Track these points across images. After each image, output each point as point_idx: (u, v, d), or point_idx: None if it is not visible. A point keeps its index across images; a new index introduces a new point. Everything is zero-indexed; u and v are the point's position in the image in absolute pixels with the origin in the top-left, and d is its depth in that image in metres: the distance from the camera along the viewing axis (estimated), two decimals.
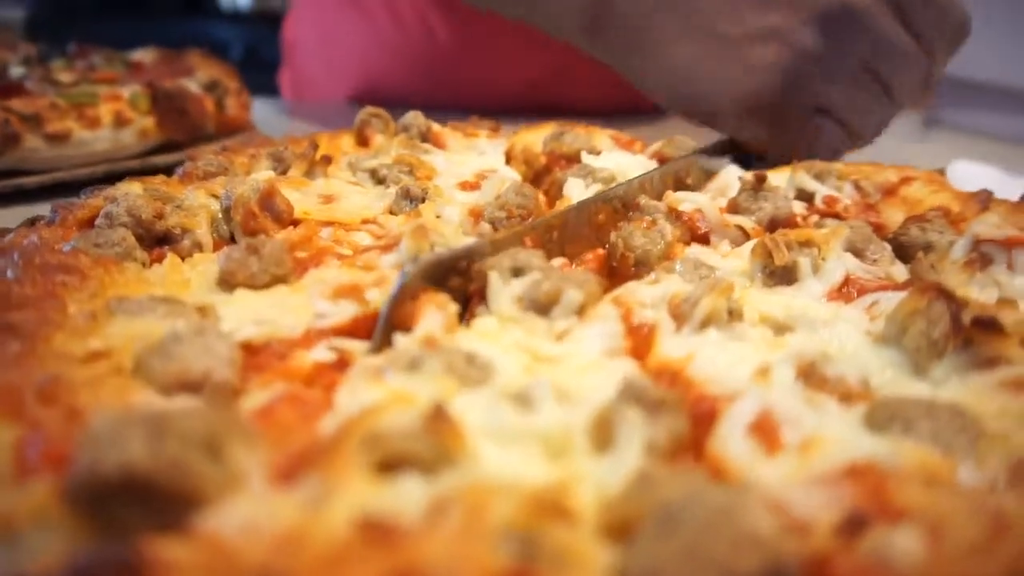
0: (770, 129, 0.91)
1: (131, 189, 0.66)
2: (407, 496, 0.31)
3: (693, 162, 0.84)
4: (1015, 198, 0.73)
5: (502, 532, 0.28)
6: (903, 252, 0.66)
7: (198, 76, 1.23)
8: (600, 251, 0.67)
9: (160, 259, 0.59)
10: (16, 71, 1.24)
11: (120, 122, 1.07)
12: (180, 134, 1.12)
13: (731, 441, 0.37)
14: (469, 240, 0.62)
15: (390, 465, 0.32)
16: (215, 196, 0.68)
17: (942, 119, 1.53)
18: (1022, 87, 1.39)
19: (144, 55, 1.39)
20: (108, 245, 0.56)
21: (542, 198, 0.79)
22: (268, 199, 0.64)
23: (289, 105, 1.77)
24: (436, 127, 0.96)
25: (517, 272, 0.53)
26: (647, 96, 1.03)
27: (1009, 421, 0.38)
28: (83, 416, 0.35)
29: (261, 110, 1.38)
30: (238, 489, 0.30)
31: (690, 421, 0.39)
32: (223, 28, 3.87)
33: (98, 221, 0.62)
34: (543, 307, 0.49)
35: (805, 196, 0.78)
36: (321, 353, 0.45)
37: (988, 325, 0.44)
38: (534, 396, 0.39)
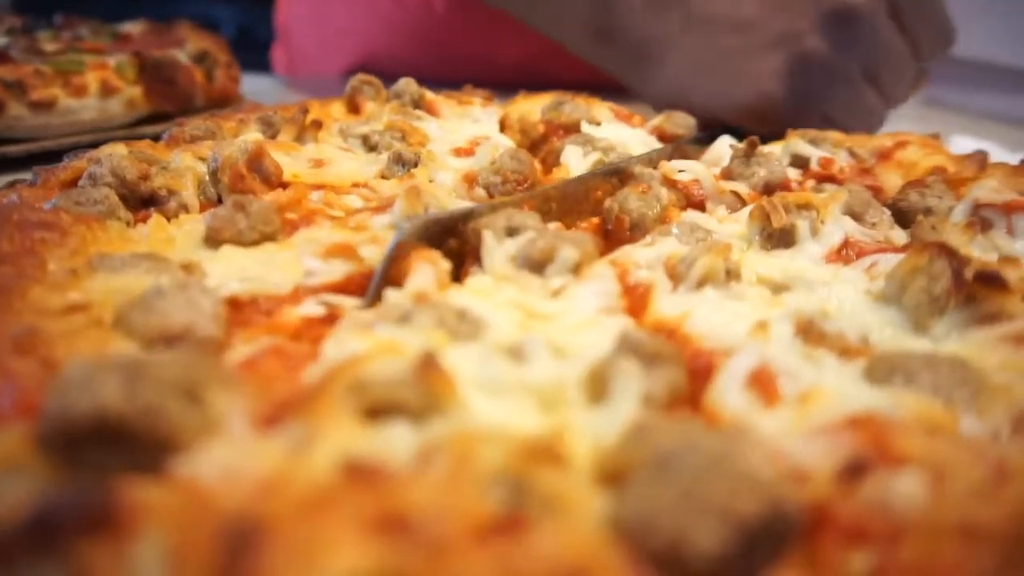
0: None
1: (115, 151, 0.64)
2: (394, 442, 0.30)
3: (691, 149, 0.82)
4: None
5: (491, 478, 0.27)
6: (902, 217, 0.66)
7: (187, 47, 1.21)
8: (595, 220, 0.65)
9: (145, 220, 0.57)
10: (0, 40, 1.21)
11: (107, 91, 1.05)
12: (168, 104, 1.10)
13: (728, 394, 0.36)
14: (465, 204, 0.61)
15: (377, 412, 0.31)
16: (202, 159, 0.66)
17: (940, 98, 1.51)
18: (1020, 66, 1.38)
19: (132, 27, 1.36)
20: (90, 203, 0.54)
21: (538, 165, 0.78)
22: (256, 160, 0.62)
23: (280, 79, 1.74)
24: (429, 95, 0.94)
25: (512, 232, 0.52)
26: (649, 104, 1.01)
27: (1011, 374, 0.37)
28: (58, 367, 0.34)
29: (252, 84, 1.35)
30: (217, 434, 0.29)
31: (687, 375, 0.38)
32: (216, 7, 3.81)
33: (81, 182, 0.60)
34: (538, 265, 0.48)
35: (800, 162, 0.77)
36: (310, 308, 0.44)
37: (991, 280, 0.43)
38: (527, 350, 0.38)
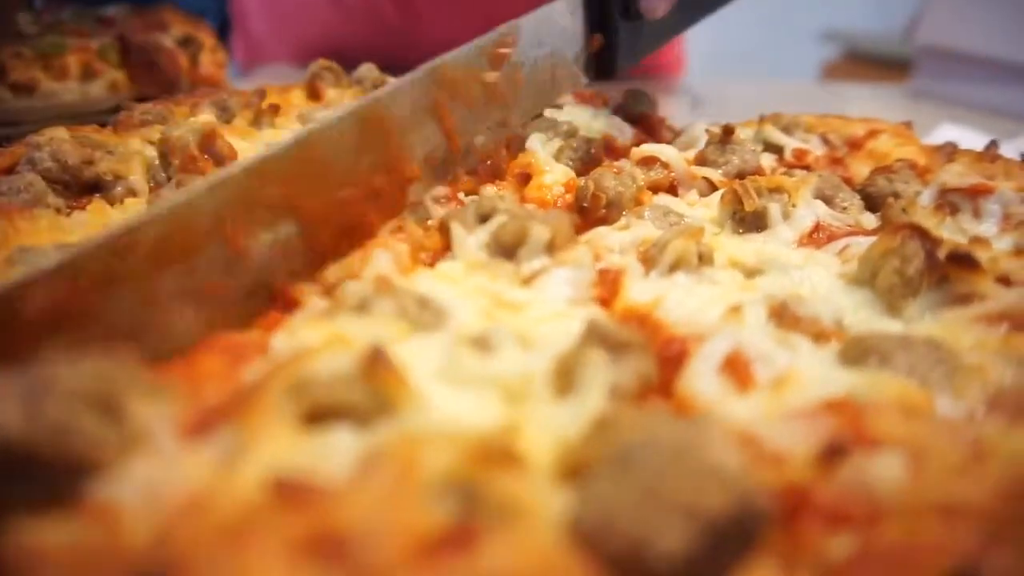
0: None
1: (56, 134, 0.60)
2: (334, 450, 0.27)
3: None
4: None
5: (439, 486, 0.25)
6: (871, 202, 0.65)
7: (172, 31, 1.18)
8: (569, 198, 0.62)
9: (86, 208, 0.54)
10: None
11: (89, 74, 1.03)
12: (152, 88, 1.05)
13: (701, 380, 0.35)
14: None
15: (319, 416, 0.29)
16: (151, 143, 0.63)
17: (928, 90, 1.51)
18: (1007, 58, 1.38)
19: (115, 10, 1.32)
20: (12, 193, 0.51)
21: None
22: (209, 141, 0.59)
23: (272, 69, 1.68)
24: (391, 81, 0.92)
25: (484, 218, 0.50)
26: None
27: (985, 353, 0.37)
28: None
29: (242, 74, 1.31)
30: (141, 448, 0.26)
31: (659, 363, 0.36)
32: None
33: (19, 167, 0.57)
34: (510, 249, 0.46)
35: (774, 149, 0.76)
36: None
37: (963, 260, 0.42)
38: (494, 340, 0.36)
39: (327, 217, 0.43)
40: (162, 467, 0.25)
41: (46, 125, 0.89)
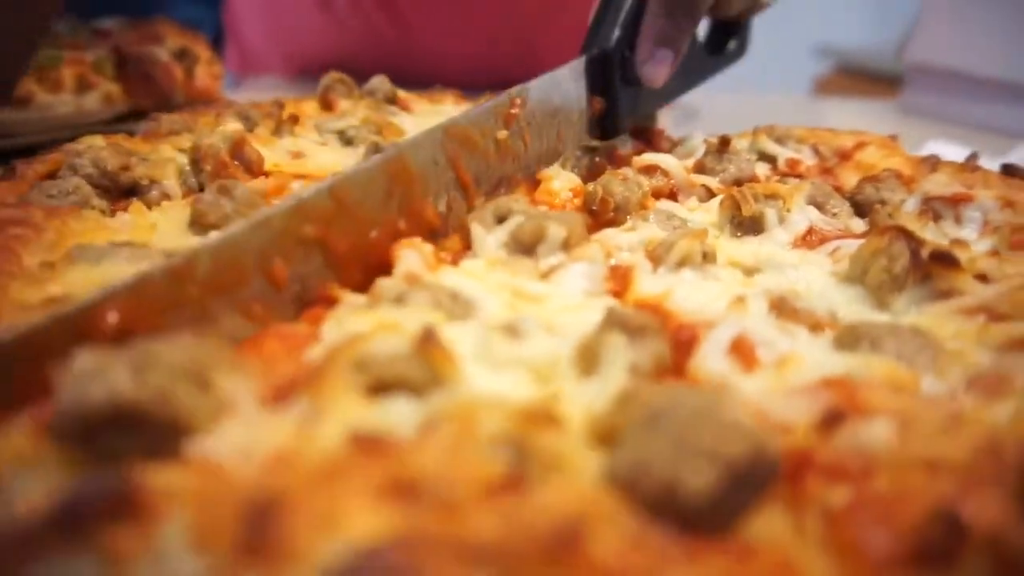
0: None
1: (94, 142, 0.64)
2: (398, 415, 0.31)
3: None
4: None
5: (493, 442, 0.29)
6: (860, 209, 0.69)
7: (167, 44, 1.20)
8: (577, 202, 0.66)
9: (126, 209, 0.57)
10: None
11: (84, 86, 1.03)
12: (147, 101, 1.07)
13: (711, 360, 0.38)
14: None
15: (380, 388, 0.32)
16: (182, 150, 0.66)
17: (918, 106, 1.55)
18: (996, 76, 1.42)
19: (111, 23, 1.33)
20: (62, 195, 0.54)
21: None
22: (238, 148, 0.63)
23: (264, 80, 1.71)
24: (402, 93, 0.95)
25: (501, 219, 0.54)
26: None
27: (964, 341, 0.41)
28: None
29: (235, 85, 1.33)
30: (228, 414, 0.29)
31: (672, 347, 0.40)
32: (193, 7, 3.72)
33: (61, 172, 0.60)
34: (528, 247, 0.50)
35: (768, 159, 0.81)
36: None
37: (945, 259, 0.46)
38: (522, 328, 0.40)
39: (356, 255, 0.47)
40: (250, 429, 0.28)
41: (40, 137, 0.93)
